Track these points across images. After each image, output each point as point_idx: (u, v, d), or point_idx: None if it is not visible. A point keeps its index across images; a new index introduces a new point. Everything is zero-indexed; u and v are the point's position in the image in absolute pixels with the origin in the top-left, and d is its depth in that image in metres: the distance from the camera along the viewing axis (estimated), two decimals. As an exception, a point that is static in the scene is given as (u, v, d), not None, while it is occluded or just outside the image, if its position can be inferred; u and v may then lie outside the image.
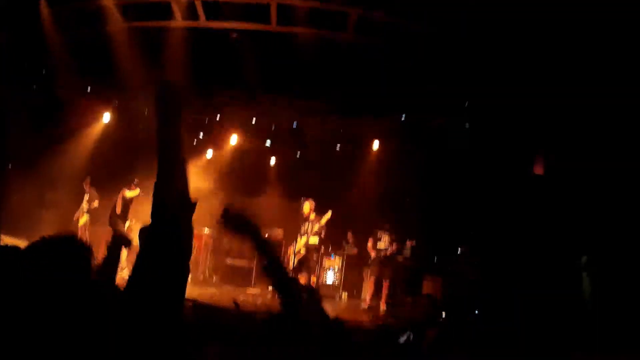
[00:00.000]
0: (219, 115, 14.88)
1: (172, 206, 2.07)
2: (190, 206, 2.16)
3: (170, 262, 2.13)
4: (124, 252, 9.75)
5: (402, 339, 3.96)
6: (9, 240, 9.18)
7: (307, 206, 10.60)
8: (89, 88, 13.95)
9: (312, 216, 10.55)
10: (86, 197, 12.22)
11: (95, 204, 12.16)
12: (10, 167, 12.67)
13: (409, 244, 10.67)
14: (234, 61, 12.20)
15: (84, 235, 11.75)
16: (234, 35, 11.43)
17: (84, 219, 12.19)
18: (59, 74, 12.37)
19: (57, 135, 13.23)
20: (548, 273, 8.30)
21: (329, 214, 10.40)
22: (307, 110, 14.08)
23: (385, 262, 10.49)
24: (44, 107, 12.62)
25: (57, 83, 12.72)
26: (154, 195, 2.04)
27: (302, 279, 10.00)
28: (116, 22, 11.03)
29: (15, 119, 11.84)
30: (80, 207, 12.29)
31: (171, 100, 2.22)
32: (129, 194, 11.54)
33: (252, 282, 12.92)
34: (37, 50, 11.51)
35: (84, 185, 12.29)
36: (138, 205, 11.72)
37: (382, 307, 10.24)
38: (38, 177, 11.84)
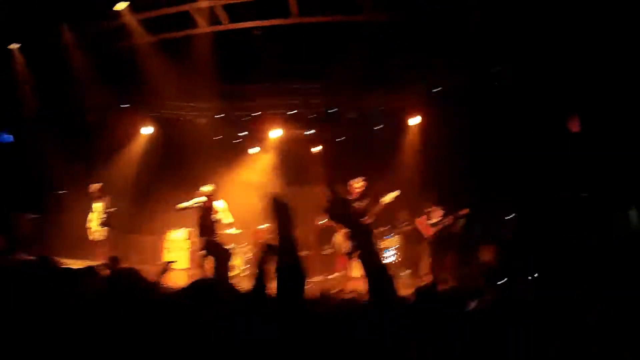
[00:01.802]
0: (257, 112, 14.94)
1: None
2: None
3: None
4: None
5: (471, 306, 4.00)
6: (71, 263, 9.48)
7: (362, 185, 10.21)
8: (123, 104, 14.29)
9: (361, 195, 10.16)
10: (101, 203, 11.56)
11: (111, 208, 11.58)
12: (63, 192, 12.96)
13: (461, 214, 10.43)
14: (261, 55, 12.29)
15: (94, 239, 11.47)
16: (257, 31, 11.47)
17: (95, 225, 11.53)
18: (90, 95, 12.63)
19: (101, 153, 13.51)
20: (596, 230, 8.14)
21: (395, 193, 9.99)
22: (339, 93, 14.04)
23: (442, 236, 10.35)
24: (79, 129, 12.83)
25: (88, 104, 12.97)
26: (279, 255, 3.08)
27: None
28: (141, 37, 11.21)
29: (56, 145, 12.14)
30: (95, 213, 11.65)
31: (282, 209, 3.07)
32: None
33: (311, 270, 12.97)
34: (62, 74, 11.75)
35: (93, 191, 11.62)
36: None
37: (449, 280, 10.00)
38: (89, 197, 11.74)
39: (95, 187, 11.57)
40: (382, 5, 10.30)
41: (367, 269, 2.86)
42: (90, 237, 11.47)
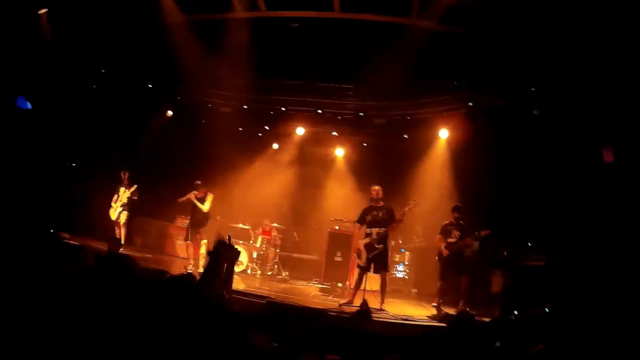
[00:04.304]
0: (283, 107, 14.61)
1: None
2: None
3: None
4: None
5: (497, 344, 3.80)
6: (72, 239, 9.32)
7: (379, 192, 9.75)
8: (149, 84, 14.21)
9: (381, 203, 9.69)
10: (123, 189, 12.13)
11: (135, 195, 12.07)
12: (73, 164, 12.98)
13: (481, 235, 9.86)
14: (294, 50, 12.01)
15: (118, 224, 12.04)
16: (294, 24, 11.19)
17: (117, 212, 12.08)
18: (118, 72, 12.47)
19: (124, 131, 13.35)
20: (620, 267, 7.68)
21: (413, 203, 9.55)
22: (372, 97, 13.69)
23: (456, 257, 9.81)
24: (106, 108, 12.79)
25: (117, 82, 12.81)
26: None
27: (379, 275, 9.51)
28: (175, 16, 10.98)
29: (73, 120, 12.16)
30: (118, 198, 12.15)
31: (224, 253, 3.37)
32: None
33: (321, 277, 12.57)
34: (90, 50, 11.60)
35: (123, 178, 12.18)
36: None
37: (462, 305, 9.51)
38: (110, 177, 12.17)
39: (126, 174, 12.19)
40: (430, 12, 9.94)
41: None
42: (112, 217, 12.08)
